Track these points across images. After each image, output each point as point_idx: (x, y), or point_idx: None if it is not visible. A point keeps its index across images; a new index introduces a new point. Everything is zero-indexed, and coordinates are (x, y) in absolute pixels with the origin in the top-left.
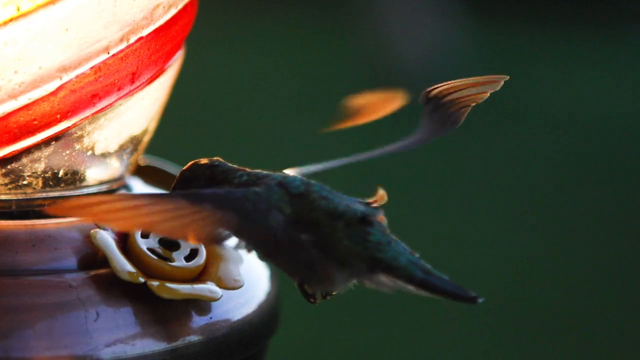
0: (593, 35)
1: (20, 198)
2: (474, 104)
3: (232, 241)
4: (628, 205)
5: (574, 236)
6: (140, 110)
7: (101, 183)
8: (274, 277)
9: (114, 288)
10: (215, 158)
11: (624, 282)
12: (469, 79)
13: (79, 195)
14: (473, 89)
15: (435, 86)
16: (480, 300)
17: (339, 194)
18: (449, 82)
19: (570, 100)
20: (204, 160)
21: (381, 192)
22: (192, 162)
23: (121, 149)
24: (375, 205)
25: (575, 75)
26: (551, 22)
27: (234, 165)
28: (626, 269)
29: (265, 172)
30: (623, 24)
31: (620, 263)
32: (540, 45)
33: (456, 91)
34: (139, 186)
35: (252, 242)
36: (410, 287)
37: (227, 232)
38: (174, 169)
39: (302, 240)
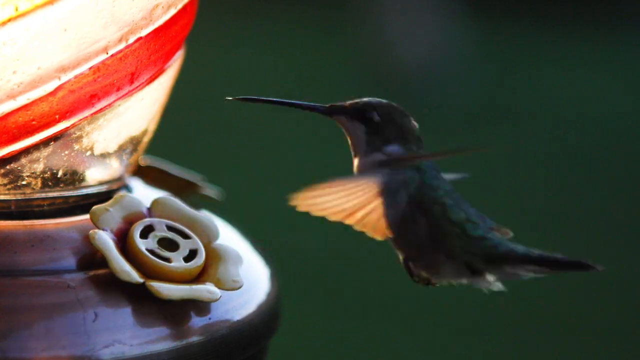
0: (593, 35)
1: (19, 198)
2: None
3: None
4: (628, 205)
5: (573, 236)
6: (140, 110)
7: (101, 183)
8: (274, 277)
9: (113, 288)
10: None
11: (624, 282)
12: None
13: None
14: None
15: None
16: (601, 268)
17: (466, 202)
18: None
19: (570, 100)
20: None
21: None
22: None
23: (121, 149)
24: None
25: (575, 75)
26: (551, 22)
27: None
28: (626, 269)
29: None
30: (623, 24)
31: (619, 263)
32: (540, 45)
33: None
34: (139, 187)
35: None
36: (531, 268)
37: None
38: (175, 170)
39: (420, 225)
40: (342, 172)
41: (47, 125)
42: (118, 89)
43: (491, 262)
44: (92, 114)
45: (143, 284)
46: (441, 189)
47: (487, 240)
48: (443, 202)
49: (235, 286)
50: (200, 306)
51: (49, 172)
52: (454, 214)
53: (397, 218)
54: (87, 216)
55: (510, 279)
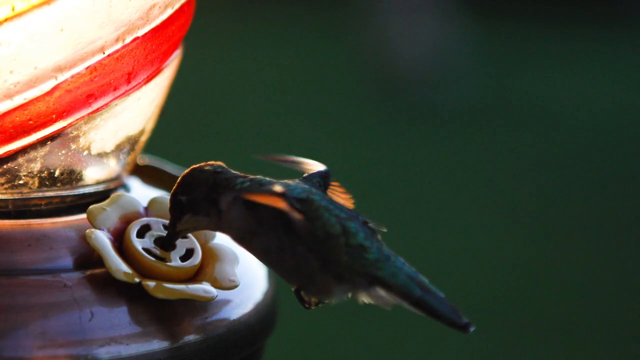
0: (593, 35)
1: (17, 198)
2: None
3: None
4: (627, 206)
5: (572, 237)
6: (137, 110)
7: (98, 183)
8: (271, 276)
9: (109, 288)
10: (217, 163)
11: (622, 283)
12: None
13: None
14: None
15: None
16: (472, 330)
17: (339, 205)
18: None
19: (569, 100)
20: (206, 167)
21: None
22: (194, 167)
23: (118, 148)
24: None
25: (575, 75)
26: (551, 22)
27: (236, 172)
28: (624, 270)
29: (267, 179)
30: (623, 24)
31: (618, 264)
32: (540, 45)
33: None
34: (137, 186)
35: (256, 247)
36: (406, 305)
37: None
38: (174, 169)
39: (303, 251)
40: (345, 172)
41: (44, 124)
42: (115, 89)
43: (371, 283)
44: (89, 114)
45: (139, 283)
46: (315, 202)
47: (375, 260)
48: (324, 216)
49: (232, 285)
50: (197, 305)
51: (46, 172)
52: (335, 223)
53: (278, 251)
54: (84, 215)
55: (381, 303)
